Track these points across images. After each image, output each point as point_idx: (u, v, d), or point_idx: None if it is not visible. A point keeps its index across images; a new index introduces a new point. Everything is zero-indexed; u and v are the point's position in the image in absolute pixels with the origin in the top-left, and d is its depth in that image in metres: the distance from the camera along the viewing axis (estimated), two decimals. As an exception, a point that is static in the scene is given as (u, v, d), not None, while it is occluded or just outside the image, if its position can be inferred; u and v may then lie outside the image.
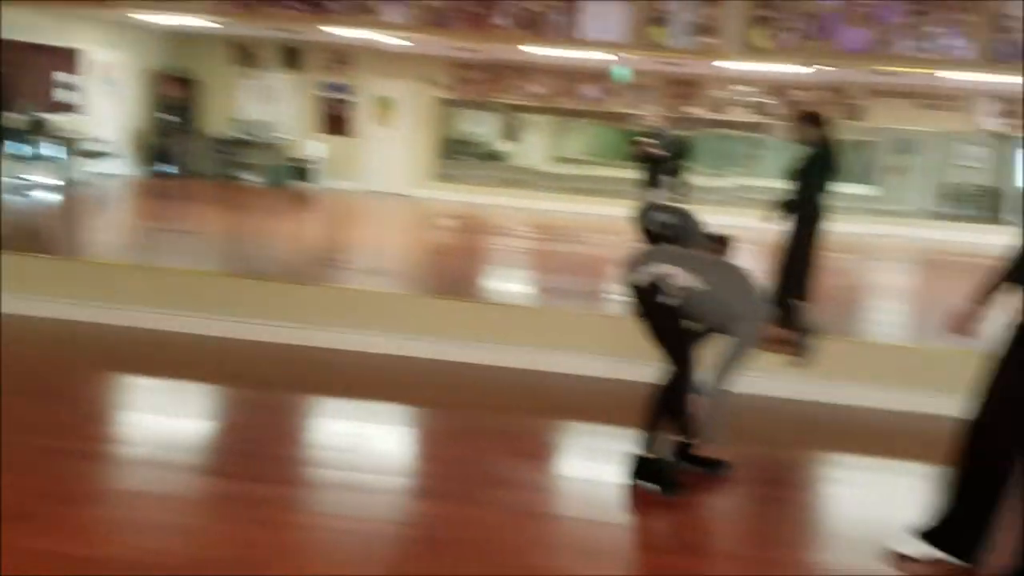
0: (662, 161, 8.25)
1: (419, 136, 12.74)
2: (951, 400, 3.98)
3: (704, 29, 4.76)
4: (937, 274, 9.90)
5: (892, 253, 10.74)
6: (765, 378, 4.28)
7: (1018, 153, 11.34)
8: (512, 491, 3.53)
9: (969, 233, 10.72)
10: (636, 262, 3.70)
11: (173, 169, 11.43)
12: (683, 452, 3.91)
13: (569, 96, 11.91)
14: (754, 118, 10.47)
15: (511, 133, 13.11)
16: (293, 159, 12.33)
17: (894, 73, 7.83)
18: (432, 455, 3.90)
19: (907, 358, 5.11)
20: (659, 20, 4.78)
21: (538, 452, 4.11)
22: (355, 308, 5.23)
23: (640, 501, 3.56)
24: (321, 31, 8.18)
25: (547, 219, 11.34)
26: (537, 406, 4.56)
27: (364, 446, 3.90)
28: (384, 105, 12.26)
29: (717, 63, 5.99)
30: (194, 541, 2.85)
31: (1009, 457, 2.98)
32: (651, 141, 8.26)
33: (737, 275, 3.72)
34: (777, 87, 9.97)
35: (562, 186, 12.54)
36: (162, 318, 4.84)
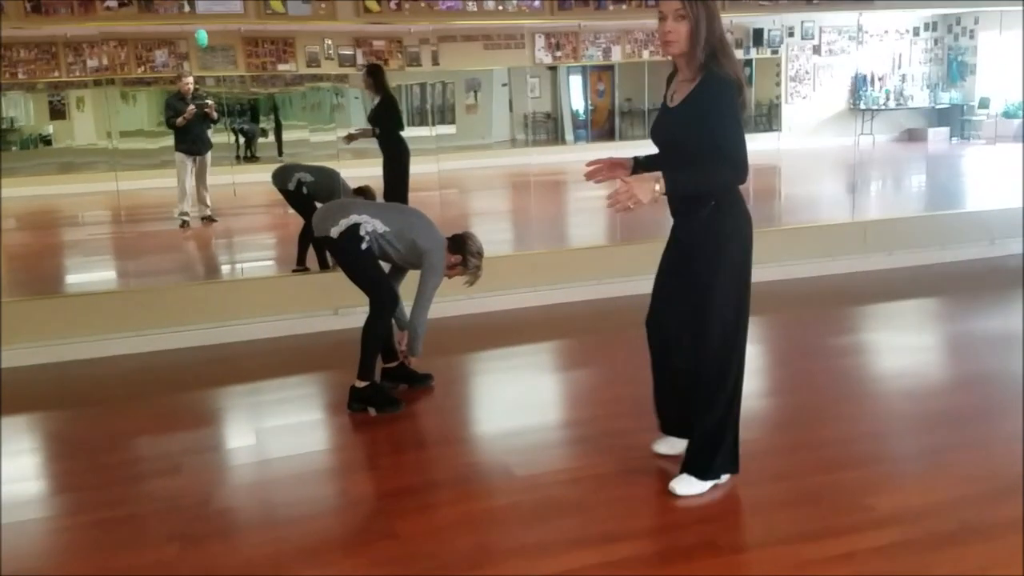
0: (214, 122, 8.36)
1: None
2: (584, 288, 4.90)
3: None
4: (524, 193, 11.28)
5: (483, 182, 11.86)
6: (449, 299, 4.75)
7: (569, 79, 13.30)
8: (216, 454, 3.59)
9: (541, 155, 12.32)
10: (327, 216, 3.89)
11: None
12: (392, 373, 4.33)
13: (137, 65, 11.01)
14: (341, 70, 10.72)
15: (65, 113, 11.82)
16: None
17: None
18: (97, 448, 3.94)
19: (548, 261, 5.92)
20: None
21: (215, 419, 4.20)
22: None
23: (362, 423, 3.94)
24: None
25: (124, 199, 10.61)
26: (191, 382, 4.62)
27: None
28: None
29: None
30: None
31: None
32: (207, 103, 8.32)
33: (415, 216, 4.08)
34: (360, 39, 10.31)
35: (132, 162, 11.65)
36: None
